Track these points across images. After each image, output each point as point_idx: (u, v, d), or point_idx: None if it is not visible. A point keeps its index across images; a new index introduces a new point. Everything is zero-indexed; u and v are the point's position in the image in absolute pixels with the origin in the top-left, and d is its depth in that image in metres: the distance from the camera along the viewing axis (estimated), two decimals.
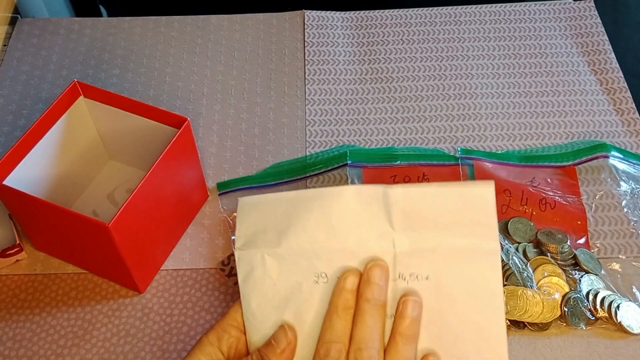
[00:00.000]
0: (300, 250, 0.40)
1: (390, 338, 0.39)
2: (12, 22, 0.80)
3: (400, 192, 0.40)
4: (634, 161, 0.66)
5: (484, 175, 0.65)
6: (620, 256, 0.61)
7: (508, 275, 0.57)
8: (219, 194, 0.65)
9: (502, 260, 0.58)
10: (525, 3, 0.83)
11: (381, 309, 0.39)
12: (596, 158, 0.65)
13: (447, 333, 0.39)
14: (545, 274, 0.57)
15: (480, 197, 0.39)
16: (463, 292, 0.39)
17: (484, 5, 0.82)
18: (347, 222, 0.40)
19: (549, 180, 0.65)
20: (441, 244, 0.39)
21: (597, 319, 0.56)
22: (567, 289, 0.57)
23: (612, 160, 0.65)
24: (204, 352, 0.41)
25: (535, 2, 0.83)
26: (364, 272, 0.39)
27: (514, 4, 0.82)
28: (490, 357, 0.39)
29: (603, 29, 0.79)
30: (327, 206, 0.40)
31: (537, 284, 0.57)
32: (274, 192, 0.42)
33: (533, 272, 0.58)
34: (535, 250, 0.60)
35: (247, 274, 0.42)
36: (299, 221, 0.40)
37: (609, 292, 0.57)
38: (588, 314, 0.56)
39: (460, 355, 0.39)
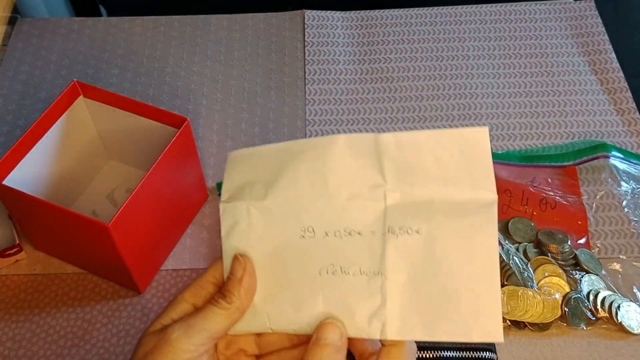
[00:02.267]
0: (288, 202, 0.38)
1: None
2: (12, 21, 0.80)
3: (391, 139, 0.38)
4: (634, 161, 0.66)
5: None
6: (621, 256, 0.61)
7: (508, 275, 0.57)
8: (219, 194, 0.65)
9: (503, 260, 0.58)
10: (525, 3, 0.82)
11: None
12: (597, 158, 0.65)
13: (437, 292, 0.37)
14: (546, 274, 0.57)
15: (474, 141, 0.37)
16: (456, 248, 0.37)
17: (484, 5, 0.82)
18: (338, 173, 0.38)
19: (549, 180, 0.65)
20: (434, 196, 0.37)
21: (597, 319, 0.56)
22: (567, 289, 0.57)
23: (612, 160, 0.65)
24: (178, 311, 0.39)
25: (536, 2, 0.83)
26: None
27: (514, 3, 0.82)
28: (482, 319, 0.36)
29: (604, 29, 0.79)
30: (318, 157, 0.38)
31: (537, 284, 0.57)
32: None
33: (533, 272, 0.57)
34: (535, 250, 0.60)
35: (231, 227, 0.40)
36: (288, 173, 0.39)
37: (610, 292, 0.57)
38: (589, 314, 0.56)
39: (450, 315, 0.37)
